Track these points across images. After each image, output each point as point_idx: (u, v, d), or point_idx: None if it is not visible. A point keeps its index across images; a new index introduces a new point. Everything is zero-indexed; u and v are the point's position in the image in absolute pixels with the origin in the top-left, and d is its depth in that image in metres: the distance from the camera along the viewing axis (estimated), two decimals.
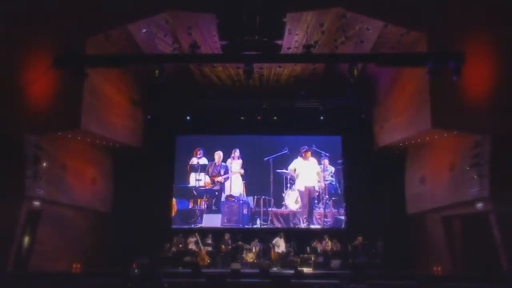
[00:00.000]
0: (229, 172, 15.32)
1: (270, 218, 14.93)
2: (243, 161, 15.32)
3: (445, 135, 12.16)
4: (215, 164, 15.46)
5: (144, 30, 12.14)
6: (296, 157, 15.25)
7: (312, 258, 13.41)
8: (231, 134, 15.72)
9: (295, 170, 15.17)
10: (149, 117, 15.07)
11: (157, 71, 9.87)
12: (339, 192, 15.22)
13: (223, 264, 13.52)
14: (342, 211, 15.00)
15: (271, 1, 11.38)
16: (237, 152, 15.37)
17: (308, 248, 14.01)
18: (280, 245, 14.02)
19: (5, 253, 10.95)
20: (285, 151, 15.19)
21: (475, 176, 11.21)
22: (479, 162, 11.17)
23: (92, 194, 13.99)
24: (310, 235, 14.68)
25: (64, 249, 12.65)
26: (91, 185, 13.96)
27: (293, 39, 12.55)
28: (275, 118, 15.09)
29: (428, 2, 11.27)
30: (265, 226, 14.82)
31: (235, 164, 15.37)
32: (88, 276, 10.72)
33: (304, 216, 14.93)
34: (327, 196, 15.10)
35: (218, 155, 15.43)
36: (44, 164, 11.80)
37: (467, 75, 9.88)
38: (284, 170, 15.20)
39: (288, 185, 15.18)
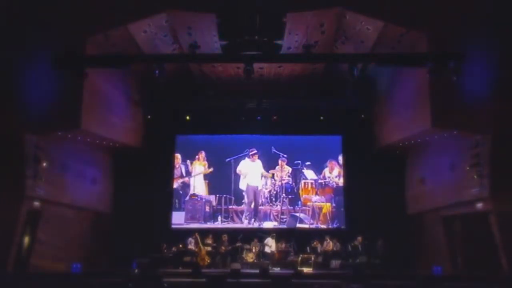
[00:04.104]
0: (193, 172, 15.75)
1: (230, 215, 15.52)
2: (208, 162, 15.71)
3: (445, 135, 12.15)
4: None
5: (144, 30, 12.15)
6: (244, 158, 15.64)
7: (312, 258, 13.42)
8: (229, 134, 15.77)
9: (240, 171, 15.57)
10: (149, 117, 15.07)
11: (157, 71, 9.89)
12: (295, 191, 15.63)
13: (223, 264, 13.53)
14: (297, 208, 15.49)
15: (271, 1, 11.37)
16: (202, 154, 15.69)
17: (308, 248, 14.02)
18: (271, 245, 14.04)
19: (5, 253, 10.95)
20: (246, 153, 15.57)
21: (475, 176, 11.21)
22: (479, 162, 11.16)
23: (92, 194, 13.98)
24: (310, 235, 14.68)
25: (64, 249, 12.64)
26: (91, 185, 13.96)
27: (293, 39, 12.55)
28: (275, 118, 15.10)
29: (428, 2, 11.27)
30: (225, 222, 15.42)
31: (199, 166, 15.68)
32: (88, 276, 10.71)
33: (248, 214, 15.44)
34: (284, 195, 15.58)
35: (177, 157, 15.82)
36: (44, 164, 11.80)
37: (467, 75, 9.88)
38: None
39: None
